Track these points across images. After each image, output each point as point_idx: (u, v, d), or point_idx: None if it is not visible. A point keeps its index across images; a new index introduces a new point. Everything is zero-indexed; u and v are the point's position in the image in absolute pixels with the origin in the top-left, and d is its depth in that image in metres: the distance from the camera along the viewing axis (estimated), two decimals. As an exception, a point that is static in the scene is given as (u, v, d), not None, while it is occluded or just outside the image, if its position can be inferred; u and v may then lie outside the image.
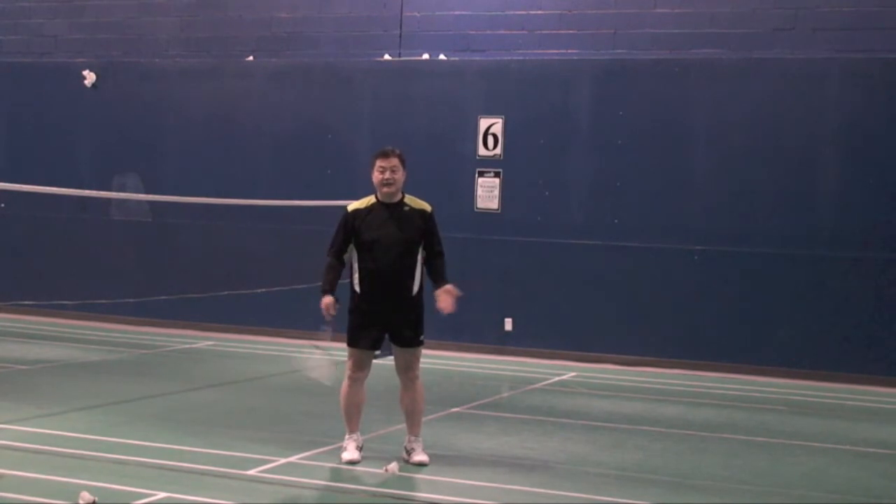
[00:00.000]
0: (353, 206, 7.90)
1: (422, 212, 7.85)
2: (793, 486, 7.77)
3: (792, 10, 13.35)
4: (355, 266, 7.81)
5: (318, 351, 7.99)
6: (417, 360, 7.92)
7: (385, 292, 7.72)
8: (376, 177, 7.79)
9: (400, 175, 7.79)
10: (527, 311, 13.98)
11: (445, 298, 7.73)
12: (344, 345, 7.85)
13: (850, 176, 12.89)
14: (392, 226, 7.72)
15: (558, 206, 13.92)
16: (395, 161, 7.78)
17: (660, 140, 13.55)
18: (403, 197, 7.87)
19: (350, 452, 7.82)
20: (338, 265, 7.85)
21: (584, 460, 8.30)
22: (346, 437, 7.92)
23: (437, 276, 7.88)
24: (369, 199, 7.89)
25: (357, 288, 7.79)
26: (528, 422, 9.73)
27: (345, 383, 7.87)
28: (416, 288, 7.80)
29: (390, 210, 7.78)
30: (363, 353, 7.81)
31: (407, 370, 7.88)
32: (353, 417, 7.90)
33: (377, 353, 8.06)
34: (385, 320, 7.73)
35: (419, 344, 7.89)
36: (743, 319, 13.18)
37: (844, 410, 11.10)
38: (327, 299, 7.69)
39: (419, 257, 7.83)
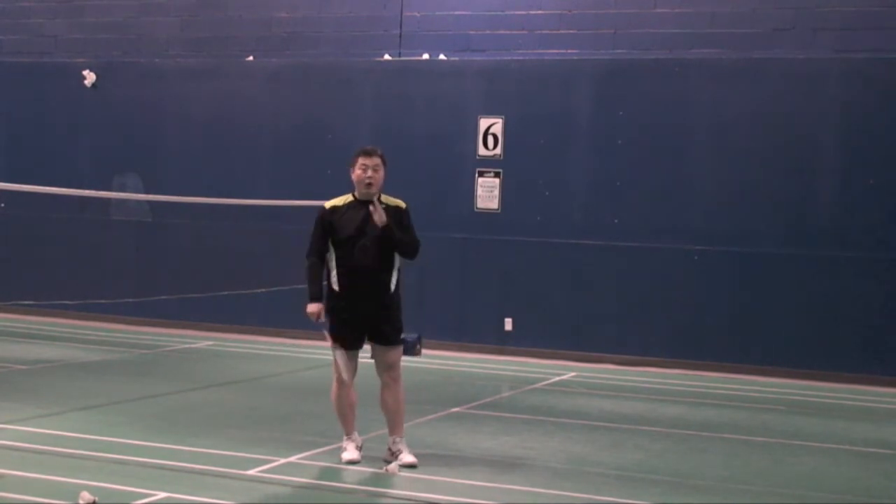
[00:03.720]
0: (329, 203, 7.88)
1: (396, 208, 7.84)
2: (793, 486, 7.77)
3: (792, 10, 13.35)
4: (332, 265, 7.80)
5: None
6: (398, 358, 7.89)
7: (363, 290, 7.71)
8: (358, 174, 7.78)
9: (381, 175, 7.79)
10: (527, 311, 13.98)
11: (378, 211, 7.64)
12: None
13: (850, 176, 12.89)
14: (369, 224, 7.71)
15: (558, 206, 13.92)
16: (377, 160, 7.79)
17: (660, 140, 13.55)
18: (380, 196, 7.86)
19: (350, 453, 7.81)
20: (320, 265, 7.84)
21: (584, 460, 8.30)
22: (345, 438, 7.92)
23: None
24: (346, 198, 7.88)
25: (335, 286, 7.76)
26: (528, 422, 9.72)
27: (334, 386, 7.87)
28: (393, 286, 7.79)
29: (367, 208, 7.77)
30: (348, 353, 7.81)
31: (388, 369, 7.85)
32: (348, 419, 7.89)
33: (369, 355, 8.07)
34: (364, 319, 7.71)
35: (400, 342, 7.88)
36: (743, 319, 13.18)
37: (844, 410, 11.10)
38: (315, 307, 7.76)
39: (396, 255, 7.82)
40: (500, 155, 14.11)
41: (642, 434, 9.38)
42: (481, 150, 14.18)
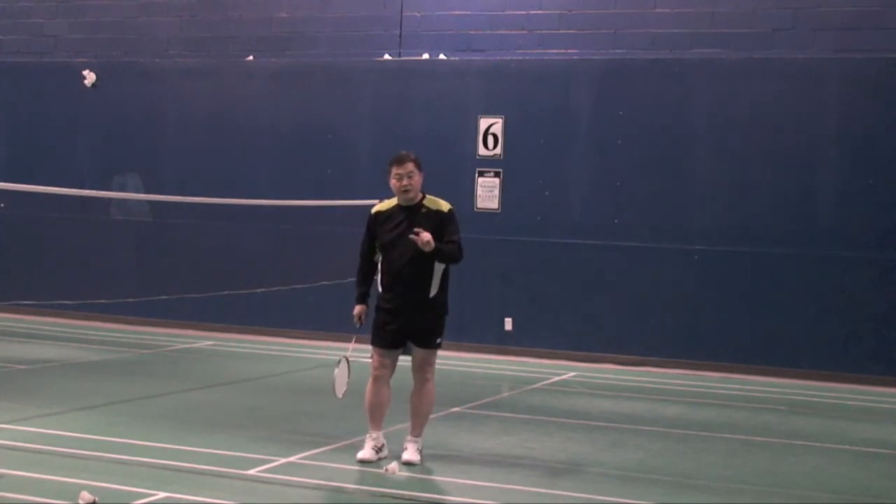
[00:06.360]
0: (376, 207, 8.03)
1: (438, 212, 7.89)
2: (793, 486, 7.77)
3: (792, 10, 13.36)
4: (379, 266, 7.94)
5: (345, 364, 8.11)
6: (430, 362, 7.93)
7: (402, 293, 7.80)
8: (394, 184, 7.86)
9: (416, 179, 7.86)
10: (527, 311, 13.98)
11: (423, 232, 7.61)
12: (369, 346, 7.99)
13: (850, 176, 12.89)
14: (407, 228, 7.75)
15: (558, 206, 13.92)
16: (410, 166, 7.84)
17: (660, 140, 13.55)
18: (423, 198, 7.92)
19: (364, 451, 7.85)
20: (366, 266, 8.01)
21: (584, 460, 8.30)
22: (368, 434, 7.95)
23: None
24: (392, 201, 7.98)
25: (380, 287, 7.93)
26: (528, 422, 9.73)
27: (369, 381, 7.95)
28: (433, 291, 7.83)
29: (408, 213, 7.84)
30: (383, 351, 7.86)
31: (419, 370, 7.92)
32: (373, 415, 7.93)
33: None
34: (403, 320, 7.80)
35: (434, 346, 7.91)
36: (743, 319, 13.17)
37: (845, 410, 11.10)
38: (357, 309, 7.96)
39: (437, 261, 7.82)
40: (500, 155, 14.10)
41: (642, 434, 9.38)
42: (481, 150, 14.18)
